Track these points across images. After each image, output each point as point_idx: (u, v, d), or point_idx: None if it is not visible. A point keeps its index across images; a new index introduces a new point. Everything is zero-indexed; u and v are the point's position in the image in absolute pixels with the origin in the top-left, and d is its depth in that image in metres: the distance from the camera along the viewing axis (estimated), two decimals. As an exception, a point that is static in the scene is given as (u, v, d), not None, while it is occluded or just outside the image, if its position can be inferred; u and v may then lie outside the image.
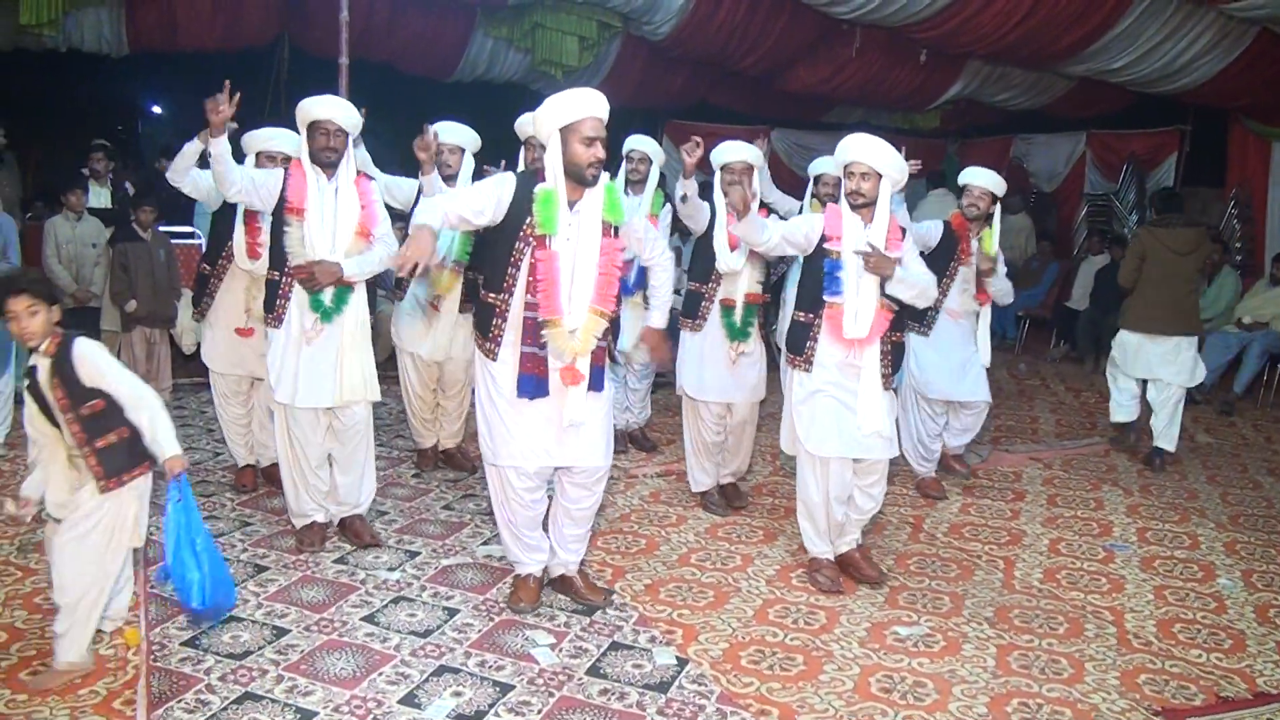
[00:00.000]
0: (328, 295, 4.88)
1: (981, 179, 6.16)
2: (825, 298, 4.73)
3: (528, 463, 4.34)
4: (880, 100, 12.71)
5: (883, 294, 4.70)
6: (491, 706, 3.71)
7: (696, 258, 5.86)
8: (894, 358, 4.90)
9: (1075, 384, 10.29)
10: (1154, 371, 7.21)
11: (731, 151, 5.69)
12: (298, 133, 5.04)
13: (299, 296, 4.89)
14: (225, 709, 3.60)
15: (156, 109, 17.37)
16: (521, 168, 5.78)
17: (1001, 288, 6.30)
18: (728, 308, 5.68)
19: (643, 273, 6.41)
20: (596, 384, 4.32)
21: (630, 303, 6.66)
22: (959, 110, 13.79)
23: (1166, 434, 7.20)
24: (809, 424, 4.83)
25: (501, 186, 4.21)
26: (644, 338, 4.74)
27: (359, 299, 5.03)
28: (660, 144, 6.74)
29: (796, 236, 4.81)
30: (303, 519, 5.18)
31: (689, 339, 5.81)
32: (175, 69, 12.69)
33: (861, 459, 4.85)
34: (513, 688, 3.84)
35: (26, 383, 3.68)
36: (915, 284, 4.69)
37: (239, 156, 5.62)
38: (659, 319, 4.64)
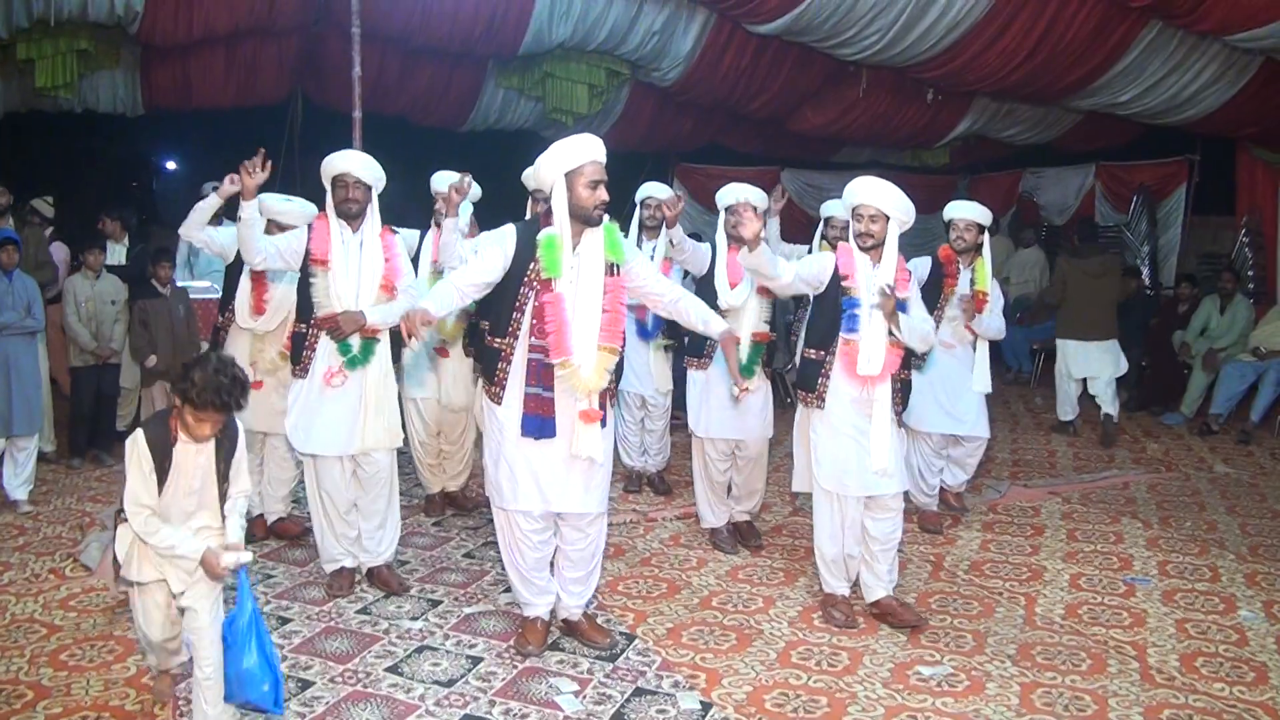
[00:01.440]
0: (355, 344, 5.00)
1: (965, 211, 6.14)
2: (842, 334, 4.81)
3: (534, 506, 4.40)
4: (889, 139, 12.78)
5: (889, 334, 4.78)
6: (517, 755, 3.72)
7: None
8: (904, 394, 5.00)
9: (1092, 417, 10.26)
10: (1089, 370, 9.10)
11: (735, 193, 5.82)
12: (323, 186, 5.13)
13: (325, 346, 5.00)
14: (253, 763, 3.62)
15: (171, 165, 17.57)
16: (529, 217, 5.80)
17: (991, 325, 6.19)
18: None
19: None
20: (603, 420, 4.41)
21: (654, 345, 6.75)
22: (968, 146, 13.86)
23: (1111, 408, 9.13)
24: (825, 461, 4.92)
25: (504, 241, 4.31)
26: (725, 348, 4.56)
27: (384, 348, 5.15)
28: (671, 186, 6.82)
29: (810, 275, 4.89)
30: (332, 564, 5.25)
31: (695, 377, 5.90)
32: (190, 125, 12.88)
33: (874, 495, 4.92)
34: (537, 736, 3.85)
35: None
36: (915, 330, 4.82)
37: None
38: (718, 325, 4.57)
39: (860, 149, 14.11)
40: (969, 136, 12.75)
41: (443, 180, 6.16)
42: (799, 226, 11.76)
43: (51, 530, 6.11)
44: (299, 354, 5.06)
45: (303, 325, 5.06)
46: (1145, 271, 12.49)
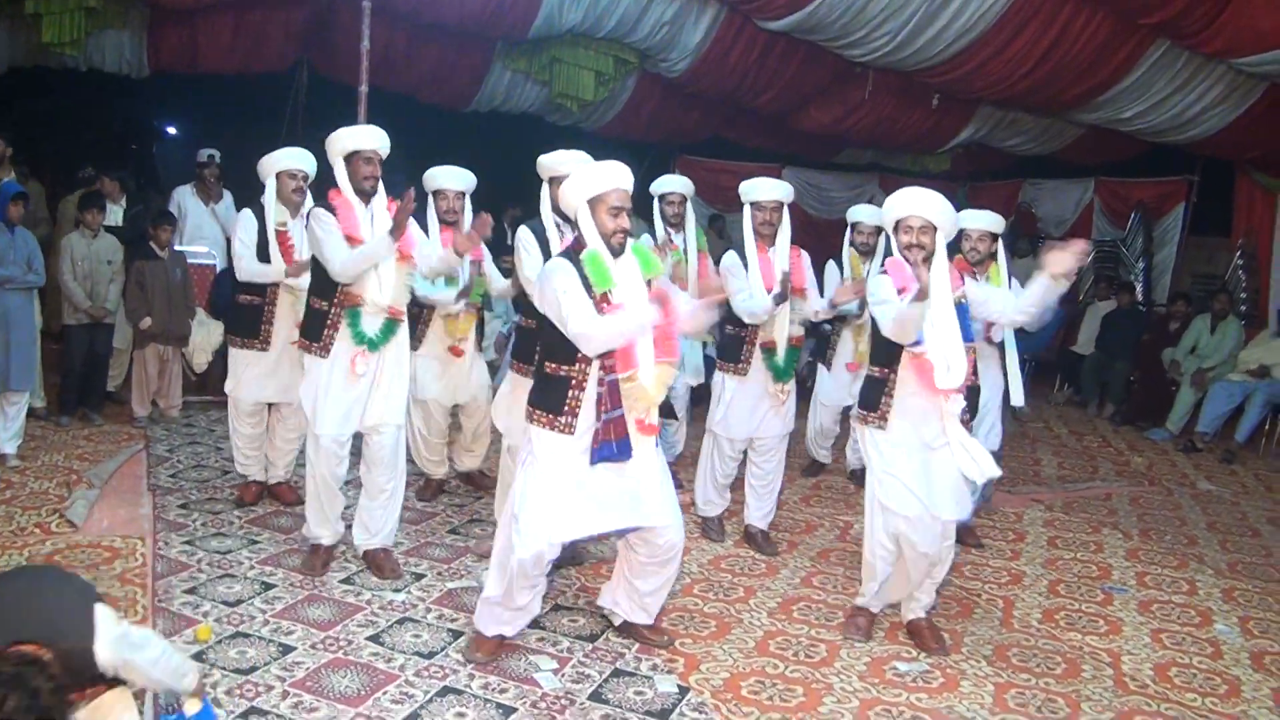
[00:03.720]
0: (374, 326, 4.94)
1: (979, 221, 5.86)
2: (909, 348, 4.48)
3: (592, 530, 4.20)
4: (892, 142, 12.82)
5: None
6: (494, 728, 3.75)
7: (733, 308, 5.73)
8: (971, 402, 4.70)
9: (1078, 428, 10.33)
10: None
11: (765, 189, 5.65)
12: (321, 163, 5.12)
13: (344, 328, 4.93)
14: (232, 722, 3.64)
15: (171, 130, 17.51)
16: (544, 204, 5.31)
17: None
18: (769, 350, 5.65)
19: None
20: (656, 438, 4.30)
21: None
22: (969, 154, 13.90)
23: None
24: (892, 483, 4.56)
25: (569, 270, 4.09)
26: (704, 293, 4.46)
27: (404, 329, 5.10)
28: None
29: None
30: (314, 539, 5.23)
31: (730, 383, 5.75)
32: (192, 91, 12.85)
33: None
34: (515, 710, 3.88)
35: None
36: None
37: (259, 183, 5.74)
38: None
39: (863, 151, 14.15)
40: (971, 144, 12.79)
41: (448, 177, 6.04)
42: (798, 224, 11.79)
43: (38, 485, 6.11)
44: (319, 332, 4.94)
45: (324, 303, 4.95)
46: (1139, 287, 12.56)
